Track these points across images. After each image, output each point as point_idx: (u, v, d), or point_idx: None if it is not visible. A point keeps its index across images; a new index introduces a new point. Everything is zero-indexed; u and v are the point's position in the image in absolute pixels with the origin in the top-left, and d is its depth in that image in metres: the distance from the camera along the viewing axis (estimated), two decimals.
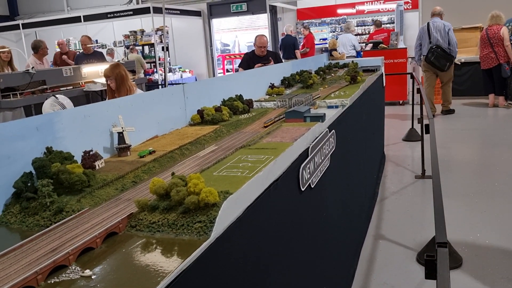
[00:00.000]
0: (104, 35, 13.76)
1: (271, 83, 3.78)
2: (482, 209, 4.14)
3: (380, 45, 10.04)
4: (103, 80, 6.02)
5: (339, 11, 12.88)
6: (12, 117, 5.60)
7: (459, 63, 9.37)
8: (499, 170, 5.22)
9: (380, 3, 12.31)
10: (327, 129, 2.39)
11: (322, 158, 2.24)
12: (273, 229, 1.63)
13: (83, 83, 6.84)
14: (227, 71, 14.11)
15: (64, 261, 1.04)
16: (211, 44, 14.49)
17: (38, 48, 7.78)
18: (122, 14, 12.53)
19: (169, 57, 12.84)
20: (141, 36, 13.12)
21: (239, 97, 2.90)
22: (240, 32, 15.15)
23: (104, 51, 10.47)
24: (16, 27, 14.03)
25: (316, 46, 11.72)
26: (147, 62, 12.46)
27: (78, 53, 9.48)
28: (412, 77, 7.08)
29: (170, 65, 12.92)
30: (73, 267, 1.04)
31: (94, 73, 7.07)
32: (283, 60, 7.20)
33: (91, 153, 1.68)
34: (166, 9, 10.29)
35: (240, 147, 1.91)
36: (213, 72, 14.45)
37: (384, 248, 3.55)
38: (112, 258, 1.07)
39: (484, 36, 8.67)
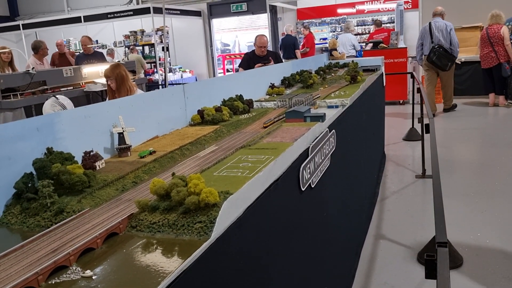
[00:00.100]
0: (104, 36, 13.75)
1: (271, 83, 3.78)
2: (483, 208, 4.14)
3: (380, 44, 10.04)
4: (103, 80, 6.02)
5: (339, 10, 12.87)
6: (13, 118, 5.60)
7: (459, 63, 9.37)
8: (500, 169, 5.22)
9: (380, 2, 12.30)
10: (327, 129, 2.39)
11: (322, 158, 2.24)
12: (274, 229, 1.64)
13: (83, 83, 6.84)
14: (227, 71, 14.11)
15: (65, 261, 1.04)
16: (211, 44, 14.49)
17: (38, 49, 7.79)
18: (122, 14, 12.53)
19: (169, 57, 12.84)
20: (141, 36, 13.12)
21: (239, 97, 2.90)
22: (240, 32, 15.15)
23: (104, 51, 10.46)
24: (17, 27, 14.03)
25: (316, 46, 11.71)
26: (147, 62, 12.46)
27: (78, 53, 9.49)
28: (412, 76, 7.08)
29: (170, 65, 12.91)
30: (74, 268, 1.04)
31: (94, 74, 7.07)
32: (283, 60, 7.20)
33: (91, 153, 1.68)
34: (166, 9, 10.29)
35: (241, 147, 1.92)
36: (213, 72, 14.44)
37: (384, 248, 3.55)
38: (113, 258, 1.08)
39: (484, 35, 8.67)
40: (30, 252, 1.10)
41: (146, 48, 13.32)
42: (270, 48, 9.43)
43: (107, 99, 4.22)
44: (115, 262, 1.06)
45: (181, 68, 13.56)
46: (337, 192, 2.79)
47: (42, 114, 3.84)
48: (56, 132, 1.65)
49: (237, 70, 8.55)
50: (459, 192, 4.57)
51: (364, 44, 11.36)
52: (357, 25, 12.61)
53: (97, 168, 1.67)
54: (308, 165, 1.98)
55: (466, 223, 3.85)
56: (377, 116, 5.29)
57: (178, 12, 13.11)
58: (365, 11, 12.60)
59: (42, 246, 1.13)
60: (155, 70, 12.55)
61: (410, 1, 11.75)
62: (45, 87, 6.13)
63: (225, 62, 14.41)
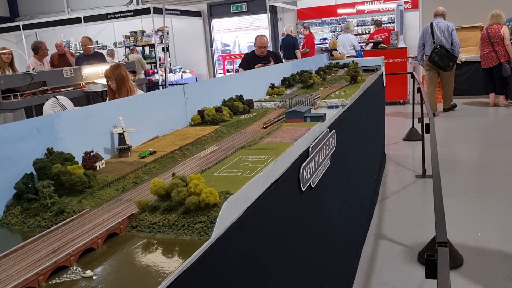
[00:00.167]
0: (104, 36, 13.75)
1: (271, 83, 3.78)
2: (483, 208, 4.14)
3: (380, 44, 10.04)
4: (103, 81, 6.03)
5: (339, 11, 12.87)
6: (13, 118, 5.61)
7: (460, 62, 9.37)
8: (500, 169, 5.22)
9: (380, 2, 12.30)
10: (327, 129, 2.39)
11: (323, 158, 2.24)
12: (274, 229, 1.64)
13: (83, 84, 6.84)
14: (228, 71, 14.11)
15: (65, 262, 1.05)
16: (211, 45, 14.49)
17: (38, 49, 7.79)
18: (122, 15, 12.53)
19: (169, 57, 12.84)
20: (142, 37, 13.12)
21: (240, 98, 2.91)
22: (240, 32, 15.15)
23: (104, 52, 10.46)
24: (17, 28, 14.04)
25: (316, 46, 11.71)
26: (147, 63, 12.46)
27: (78, 54, 9.49)
28: (413, 76, 7.08)
29: (170, 65, 12.91)
30: (74, 268, 1.04)
31: (94, 74, 7.08)
32: (283, 60, 7.20)
33: (91, 154, 1.68)
34: (166, 9, 10.29)
35: (241, 147, 1.92)
36: (213, 73, 14.45)
37: (385, 247, 3.55)
38: (113, 258, 1.08)
39: (484, 35, 8.67)
40: (30, 252, 1.10)
41: (146, 49, 13.32)
42: (270, 48, 9.43)
43: (107, 99, 4.22)
44: (115, 262, 1.06)
45: (181, 68, 13.56)
46: (338, 192, 2.79)
47: (42, 114, 3.84)
48: (56, 132, 1.65)
49: (237, 71, 8.56)
50: (459, 192, 4.57)
51: (364, 44, 11.37)
52: (357, 25, 12.61)
53: (98, 168, 1.67)
54: (308, 165, 1.98)
55: (466, 223, 3.85)
56: (377, 116, 5.29)
57: (178, 12, 13.11)
58: (365, 11, 12.60)
59: (43, 246, 1.13)
60: (155, 70, 12.56)
61: (410, 1, 11.76)
62: (45, 87, 6.13)
63: (225, 62, 14.42)
